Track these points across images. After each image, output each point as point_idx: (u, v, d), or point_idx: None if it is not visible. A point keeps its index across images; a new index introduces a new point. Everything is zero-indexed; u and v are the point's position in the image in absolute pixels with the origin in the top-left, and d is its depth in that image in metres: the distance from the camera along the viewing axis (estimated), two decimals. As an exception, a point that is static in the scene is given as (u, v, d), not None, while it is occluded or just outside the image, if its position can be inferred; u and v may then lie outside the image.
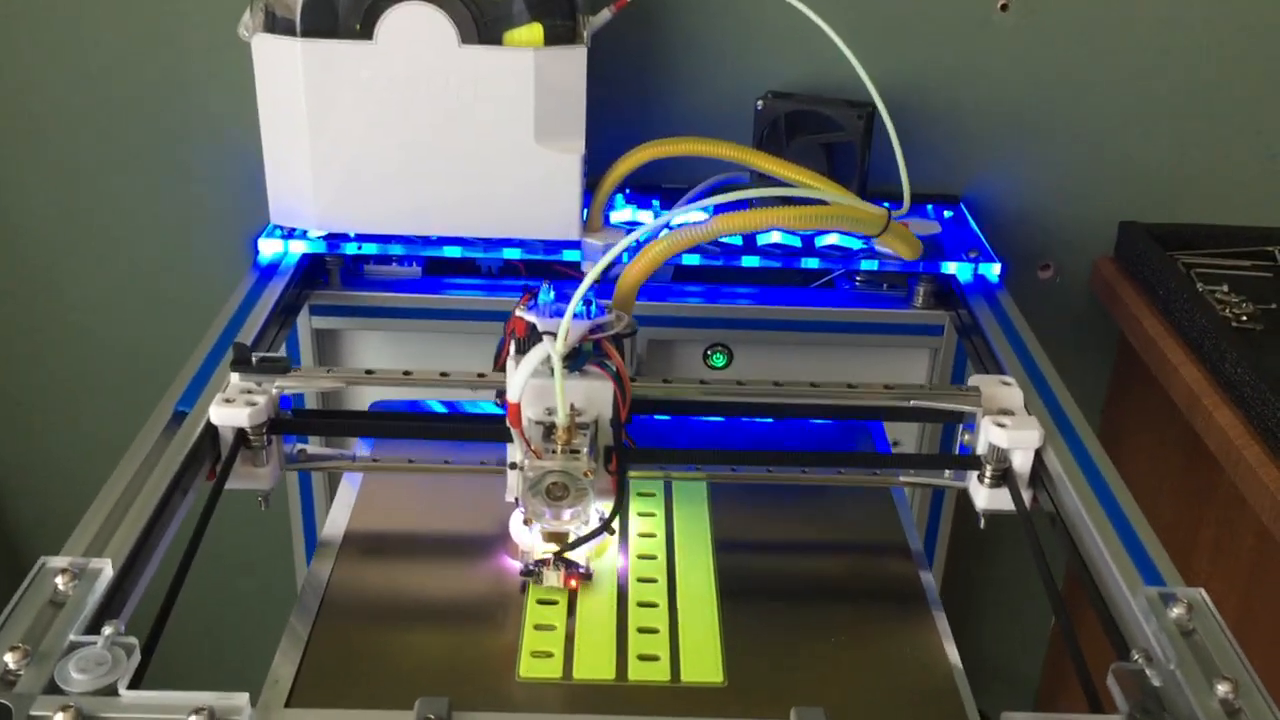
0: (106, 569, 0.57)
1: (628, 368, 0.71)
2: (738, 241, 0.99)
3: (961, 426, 0.76)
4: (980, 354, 0.88)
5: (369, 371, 0.77)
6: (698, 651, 0.65)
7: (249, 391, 0.72)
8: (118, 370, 1.22)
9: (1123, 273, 1.08)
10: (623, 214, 1.03)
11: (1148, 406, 1.08)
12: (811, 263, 0.97)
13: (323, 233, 0.95)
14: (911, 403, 0.75)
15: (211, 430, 0.71)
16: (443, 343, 1.00)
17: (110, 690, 0.50)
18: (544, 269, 0.97)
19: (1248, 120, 1.08)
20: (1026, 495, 0.72)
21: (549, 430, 0.67)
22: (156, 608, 0.58)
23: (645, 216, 1.03)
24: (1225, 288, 1.01)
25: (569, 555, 0.68)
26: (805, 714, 0.51)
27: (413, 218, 0.93)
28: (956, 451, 0.76)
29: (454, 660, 0.65)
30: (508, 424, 0.67)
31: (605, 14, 0.90)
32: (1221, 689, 0.51)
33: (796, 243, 0.99)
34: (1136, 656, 0.55)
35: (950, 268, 0.97)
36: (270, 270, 0.94)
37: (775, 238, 0.99)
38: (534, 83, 0.87)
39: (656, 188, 1.07)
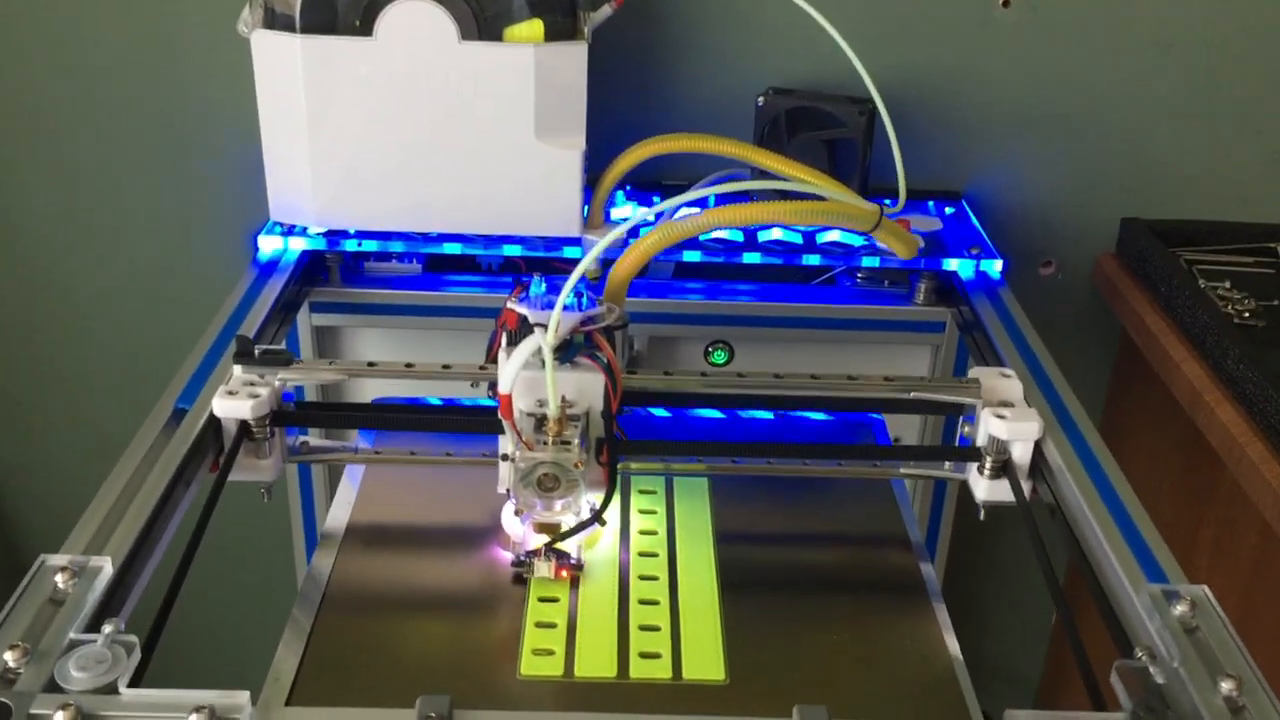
0: (106, 567, 0.57)
1: (619, 360, 0.71)
2: (739, 238, 0.99)
3: (961, 418, 0.76)
4: (982, 350, 0.88)
5: (371, 363, 0.77)
6: (699, 649, 0.65)
7: (252, 384, 0.72)
8: (118, 368, 1.22)
9: (1124, 269, 1.08)
10: (623, 210, 1.03)
11: (1149, 403, 1.08)
12: (813, 259, 0.97)
13: (323, 229, 0.95)
14: (911, 394, 0.75)
15: (214, 423, 0.71)
16: (443, 339, 0.99)
17: (110, 689, 0.49)
18: (544, 266, 0.97)
19: (1249, 116, 1.08)
20: (1026, 487, 0.72)
21: (540, 422, 0.67)
22: (156, 604, 0.58)
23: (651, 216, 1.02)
24: (1227, 284, 1.01)
25: (560, 546, 0.69)
26: (808, 712, 0.51)
27: (413, 214, 0.92)
28: (956, 444, 0.77)
29: (455, 656, 0.65)
30: (499, 416, 0.68)
31: (606, 10, 0.90)
32: (1225, 686, 0.51)
33: (798, 239, 0.99)
34: (1140, 654, 0.54)
35: (952, 264, 0.97)
36: (270, 267, 0.94)
37: (776, 234, 0.99)
38: (534, 79, 0.86)
39: (657, 184, 1.07)
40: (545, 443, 0.66)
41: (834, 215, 0.81)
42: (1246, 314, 0.96)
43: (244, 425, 0.71)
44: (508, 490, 0.70)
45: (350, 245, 0.95)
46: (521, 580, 0.70)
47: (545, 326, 0.65)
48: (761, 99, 1.00)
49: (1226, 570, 0.95)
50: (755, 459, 0.78)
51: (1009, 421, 0.71)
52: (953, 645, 0.66)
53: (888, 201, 0.96)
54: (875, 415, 0.91)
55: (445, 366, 0.76)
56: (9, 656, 0.50)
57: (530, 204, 0.91)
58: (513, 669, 0.63)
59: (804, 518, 0.79)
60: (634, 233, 0.82)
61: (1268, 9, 1.04)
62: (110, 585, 0.56)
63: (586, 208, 0.94)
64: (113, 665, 0.50)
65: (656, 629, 0.66)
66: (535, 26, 0.86)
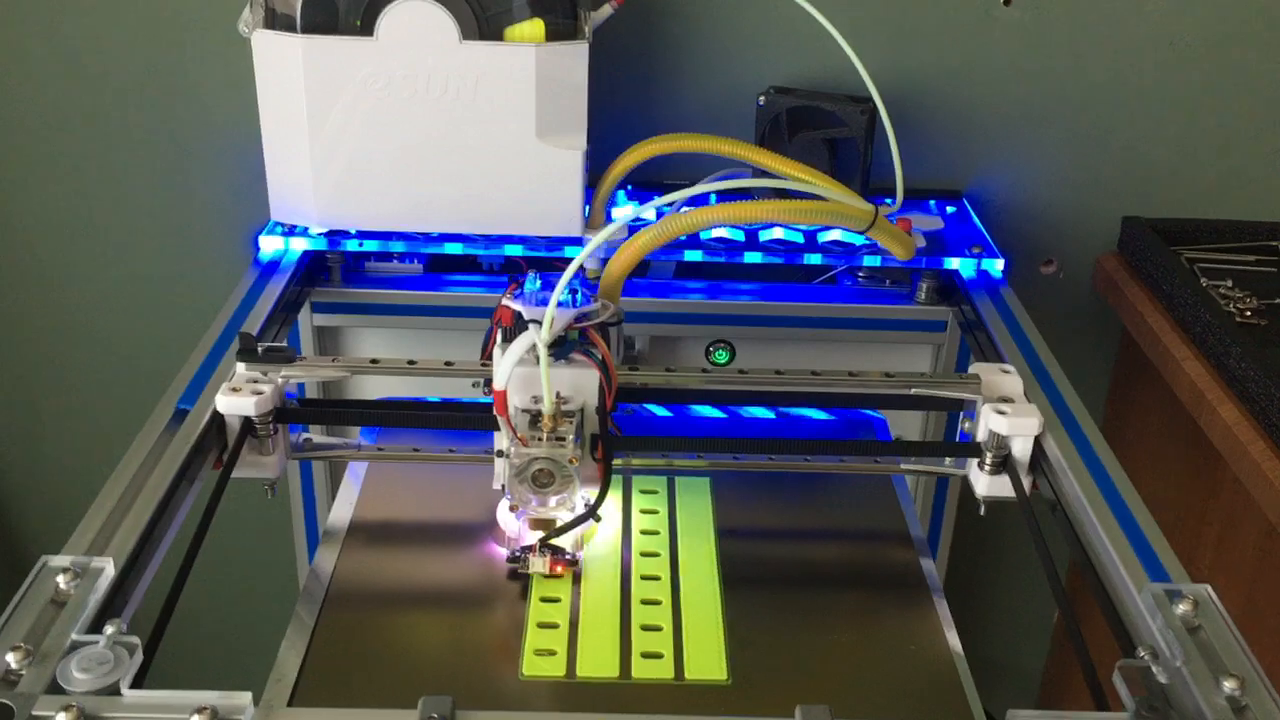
0: (108, 568, 0.57)
1: (614, 356, 0.71)
2: (740, 238, 0.98)
3: (962, 414, 0.76)
4: (984, 349, 0.88)
5: (374, 360, 0.77)
6: (701, 649, 0.65)
7: (255, 381, 0.73)
8: (120, 369, 1.22)
9: (1126, 268, 1.08)
10: (624, 211, 1.03)
11: (1151, 402, 1.08)
12: (814, 259, 0.97)
13: (324, 230, 0.95)
14: (912, 390, 0.76)
15: (217, 420, 0.71)
16: (444, 339, 0.99)
17: (113, 690, 0.49)
18: (546, 266, 0.97)
19: (1251, 115, 1.08)
20: (1026, 482, 0.72)
21: (535, 418, 0.67)
22: (158, 604, 0.58)
23: (647, 213, 1.02)
24: (1229, 283, 1.01)
25: (555, 542, 0.69)
26: (810, 712, 0.51)
27: (414, 214, 0.92)
28: (957, 440, 0.77)
29: (457, 656, 0.65)
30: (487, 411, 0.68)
31: (606, 9, 0.90)
32: (1228, 686, 0.51)
33: (799, 239, 0.99)
34: (1142, 653, 0.54)
35: (953, 263, 0.97)
36: (271, 267, 0.94)
37: (778, 234, 0.99)
38: (535, 79, 0.86)
39: (658, 184, 1.07)
40: (540, 439, 0.67)
41: (828, 214, 0.81)
42: (1248, 312, 0.96)
43: (248, 422, 0.72)
44: (503, 486, 0.70)
45: (351, 245, 0.95)
46: (519, 576, 0.70)
47: (540, 323, 0.66)
48: (762, 98, 1.00)
49: (1228, 569, 0.95)
50: (756, 455, 0.78)
51: (1009, 417, 0.71)
52: (954, 642, 0.66)
53: (889, 200, 0.96)
54: (877, 415, 0.91)
55: (447, 363, 0.76)
56: (11, 658, 0.50)
57: (531, 204, 0.91)
58: (515, 669, 0.63)
59: (805, 516, 0.79)
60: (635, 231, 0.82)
61: (1269, 7, 1.04)
62: (112, 586, 0.56)
63: (587, 208, 0.94)
64: (115, 666, 0.50)
65: (658, 629, 0.66)
66: (536, 26, 0.86)
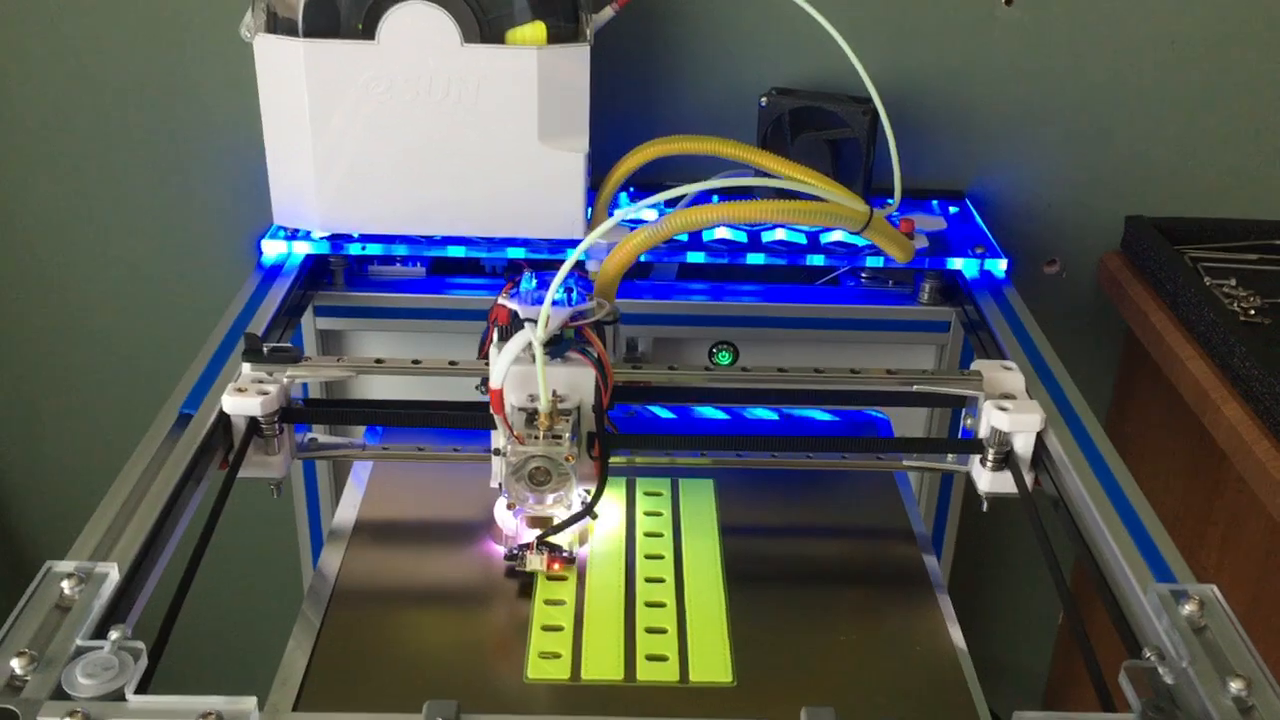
0: (112, 573, 0.57)
1: (611, 355, 0.71)
2: (742, 239, 0.98)
3: (964, 410, 0.76)
4: (987, 349, 0.88)
5: (378, 361, 0.77)
6: (706, 651, 0.65)
7: (260, 381, 0.73)
8: (123, 373, 1.22)
9: (1129, 267, 1.08)
10: (625, 212, 1.03)
11: (1155, 401, 1.08)
12: (817, 260, 0.97)
13: (326, 233, 0.95)
14: (914, 388, 0.76)
15: (223, 421, 0.72)
16: (447, 342, 0.99)
17: (117, 695, 0.49)
18: (548, 268, 0.97)
19: (1254, 113, 1.08)
20: (1028, 478, 0.72)
21: (531, 416, 0.68)
22: (162, 608, 0.58)
23: (649, 215, 1.02)
24: (1233, 281, 1.00)
25: (552, 539, 0.69)
26: (815, 714, 0.51)
27: (416, 218, 0.92)
28: (959, 436, 0.77)
29: (461, 659, 0.65)
30: (490, 410, 0.68)
31: (608, 12, 0.90)
32: (1235, 686, 0.51)
33: (801, 240, 0.99)
34: (1149, 654, 0.54)
35: (956, 263, 0.97)
36: (274, 271, 0.94)
37: (780, 235, 0.99)
38: (537, 82, 0.86)
39: (660, 186, 1.06)
40: (536, 437, 0.67)
41: (824, 215, 0.81)
42: (1252, 311, 0.96)
43: (253, 422, 0.72)
44: (500, 484, 0.70)
45: (354, 249, 0.95)
46: (517, 575, 0.70)
47: (535, 321, 0.66)
48: (764, 99, 1.00)
49: (1233, 568, 0.95)
50: (758, 453, 0.78)
51: (1011, 413, 0.71)
52: (959, 640, 0.66)
53: (889, 201, 0.95)
54: (880, 416, 0.91)
55: (451, 363, 0.76)
56: (16, 664, 0.50)
57: (534, 207, 0.91)
58: (519, 672, 0.63)
59: (809, 515, 0.79)
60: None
61: (1271, 5, 1.03)
62: (116, 591, 0.56)
63: (590, 210, 0.94)
64: (120, 672, 0.50)
65: (663, 631, 0.66)
66: (538, 29, 0.86)
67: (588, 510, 0.69)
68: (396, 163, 0.89)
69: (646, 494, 0.79)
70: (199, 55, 1.06)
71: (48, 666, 0.50)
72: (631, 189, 1.07)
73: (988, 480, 0.74)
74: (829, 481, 0.82)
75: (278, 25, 0.86)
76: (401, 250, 0.96)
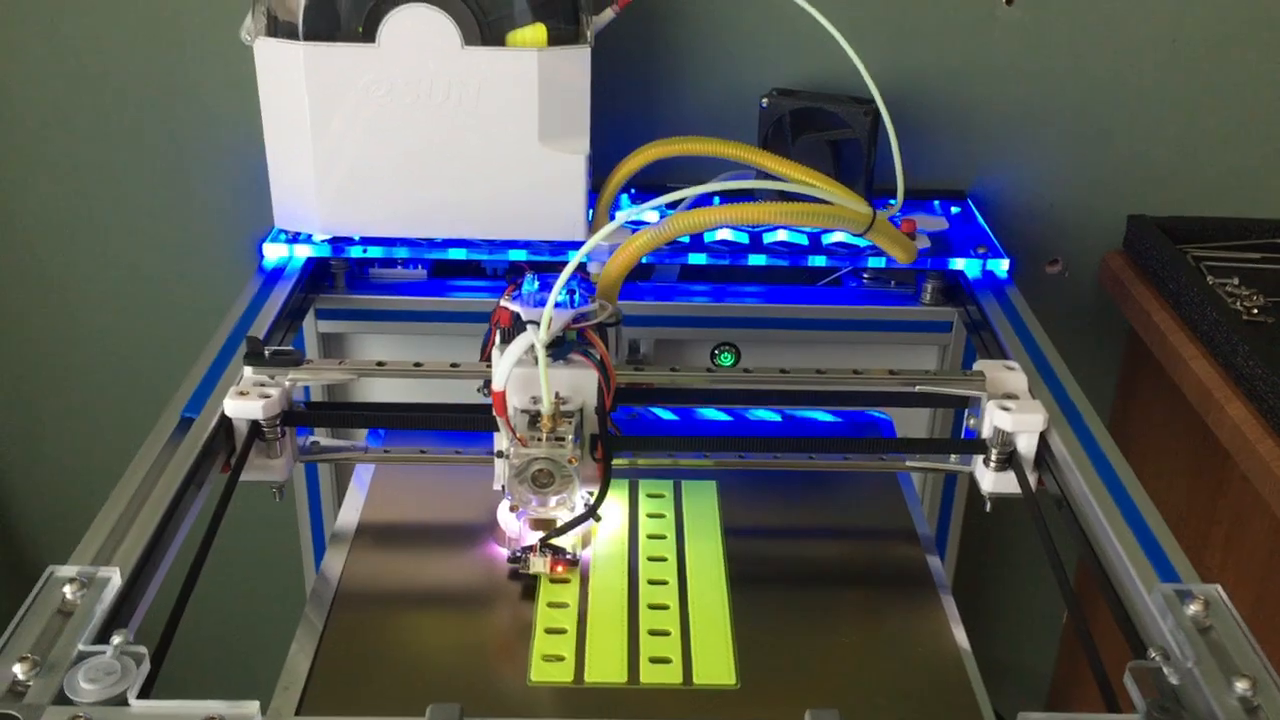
0: (115, 577, 0.57)
1: (613, 357, 0.71)
2: (744, 240, 0.98)
3: (967, 410, 0.76)
4: (989, 349, 0.88)
5: (380, 363, 0.77)
6: (710, 653, 0.64)
7: (262, 384, 0.73)
8: (120, 369, 1.22)
9: (1132, 267, 1.08)
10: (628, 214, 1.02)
11: (1158, 401, 1.08)
12: (819, 261, 0.97)
13: (327, 236, 0.95)
14: (917, 388, 0.76)
15: (225, 424, 0.72)
16: (449, 345, 0.99)
17: (120, 700, 0.49)
18: (550, 270, 0.97)
19: (1256, 112, 1.08)
20: (1032, 478, 0.72)
21: (534, 418, 0.68)
22: (165, 609, 0.57)
23: (651, 216, 1.02)
24: (1236, 280, 1.00)
25: (555, 541, 0.69)
26: (820, 716, 0.51)
27: (417, 220, 0.92)
28: (962, 437, 0.77)
29: (464, 662, 0.65)
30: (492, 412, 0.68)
31: (608, 13, 0.90)
32: (1240, 686, 0.51)
33: (803, 241, 0.99)
34: (1153, 654, 0.54)
35: (958, 264, 0.97)
36: (275, 275, 0.94)
37: (782, 236, 0.99)
38: (538, 84, 0.86)
39: (662, 187, 1.07)
40: (539, 439, 0.67)
41: (826, 216, 0.81)
42: (1255, 310, 0.96)
43: (255, 425, 0.72)
44: (503, 487, 0.70)
45: (355, 252, 0.95)
46: (520, 577, 0.70)
47: (537, 324, 0.66)
48: (765, 100, 0.99)
49: (1237, 568, 0.95)
50: (761, 454, 0.78)
51: (1014, 413, 0.71)
52: (963, 641, 0.66)
53: (891, 202, 0.95)
54: (882, 416, 0.91)
55: (453, 365, 0.76)
56: (18, 669, 0.50)
57: (535, 209, 0.91)
58: (522, 675, 0.63)
59: (812, 516, 0.79)
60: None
61: (1271, 5, 1.03)
62: (119, 596, 0.56)
63: (591, 212, 0.94)
64: (122, 676, 0.50)
65: (666, 634, 0.66)
66: (538, 31, 0.86)
67: (591, 512, 0.69)
68: (397, 165, 0.89)
69: (649, 496, 0.79)
70: (199, 55, 1.06)
71: (50, 671, 0.50)
72: (633, 191, 1.07)
73: (991, 480, 0.73)
74: (832, 483, 0.82)
75: (278, 29, 0.86)
76: (403, 253, 0.96)
